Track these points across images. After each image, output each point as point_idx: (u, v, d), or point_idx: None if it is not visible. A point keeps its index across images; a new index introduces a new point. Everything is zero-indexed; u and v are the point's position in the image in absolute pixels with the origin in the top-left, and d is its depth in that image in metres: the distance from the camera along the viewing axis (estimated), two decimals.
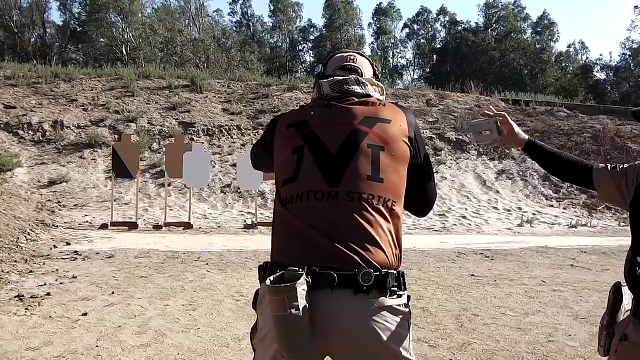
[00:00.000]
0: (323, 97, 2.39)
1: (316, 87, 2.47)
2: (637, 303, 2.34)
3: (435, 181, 2.47)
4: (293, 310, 1.91)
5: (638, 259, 2.31)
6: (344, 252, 2.04)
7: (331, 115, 2.28)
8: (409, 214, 2.49)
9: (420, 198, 2.43)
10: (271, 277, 1.98)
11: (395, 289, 2.09)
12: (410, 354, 2.12)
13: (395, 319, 2.07)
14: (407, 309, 2.14)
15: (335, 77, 2.40)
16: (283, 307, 1.91)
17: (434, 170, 2.47)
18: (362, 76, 2.44)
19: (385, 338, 2.03)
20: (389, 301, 2.06)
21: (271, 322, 1.99)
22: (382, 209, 2.13)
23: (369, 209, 2.11)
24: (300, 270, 1.97)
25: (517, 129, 2.79)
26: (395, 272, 2.11)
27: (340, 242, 2.06)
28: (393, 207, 2.17)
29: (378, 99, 2.37)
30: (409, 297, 2.19)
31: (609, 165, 2.65)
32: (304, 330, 1.95)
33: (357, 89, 2.37)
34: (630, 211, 2.42)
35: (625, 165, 2.57)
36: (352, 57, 2.51)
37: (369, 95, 2.38)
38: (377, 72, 2.57)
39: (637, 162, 2.53)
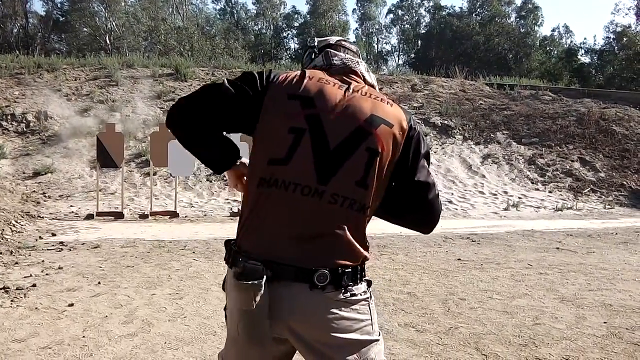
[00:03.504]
0: (332, 66, 2.34)
1: (323, 55, 2.38)
2: None
3: (437, 192, 2.30)
4: (257, 304, 1.98)
5: None
6: (309, 250, 2.07)
7: (340, 100, 2.18)
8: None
9: (419, 210, 2.28)
10: (235, 272, 2.06)
11: (350, 286, 2.12)
12: (373, 335, 2.17)
13: (353, 307, 2.12)
14: (365, 295, 2.18)
15: (348, 56, 2.38)
16: (250, 303, 1.98)
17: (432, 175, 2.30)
18: (357, 55, 2.44)
19: (341, 328, 2.09)
20: (343, 295, 2.11)
21: (235, 313, 2.07)
22: (360, 215, 2.14)
23: (348, 214, 2.11)
24: (261, 265, 2.02)
25: None
26: (351, 269, 2.12)
27: (309, 240, 2.08)
28: (368, 213, 2.18)
29: (386, 98, 2.30)
30: (369, 283, 2.22)
31: None
32: (265, 321, 2.02)
33: (365, 74, 2.36)
34: None
35: None
36: (344, 40, 2.50)
37: (373, 86, 2.36)
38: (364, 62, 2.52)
39: None
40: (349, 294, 2.11)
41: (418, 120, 2.20)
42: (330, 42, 2.46)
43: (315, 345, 2.09)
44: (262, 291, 1.97)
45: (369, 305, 2.18)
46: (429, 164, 2.29)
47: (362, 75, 2.34)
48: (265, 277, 1.99)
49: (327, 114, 2.15)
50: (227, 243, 2.24)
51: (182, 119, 2.21)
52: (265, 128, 2.18)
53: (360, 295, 2.14)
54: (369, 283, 2.22)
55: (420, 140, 2.26)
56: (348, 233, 2.10)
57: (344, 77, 2.29)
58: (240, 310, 2.03)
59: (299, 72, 2.27)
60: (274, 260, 2.04)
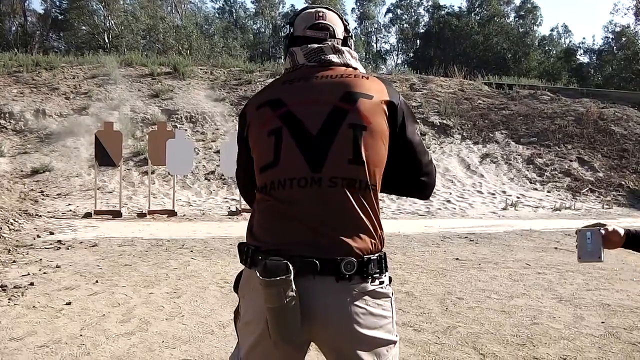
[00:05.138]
0: (298, 66, 2.29)
1: (289, 56, 2.33)
2: None
3: (432, 158, 2.35)
4: (287, 300, 1.90)
5: None
6: (327, 241, 2.02)
7: (308, 91, 2.18)
8: (393, 196, 2.41)
9: (416, 178, 2.31)
10: (259, 270, 1.94)
11: (377, 275, 2.07)
12: (393, 335, 2.12)
13: (376, 302, 2.06)
14: (389, 290, 2.13)
15: (310, 46, 2.28)
16: (279, 299, 1.90)
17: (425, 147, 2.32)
18: (334, 35, 2.33)
19: (366, 323, 2.02)
20: (371, 286, 2.05)
21: (262, 312, 1.98)
22: (365, 192, 2.08)
23: (353, 194, 2.06)
24: (284, 259, 1.94)
25: (619, 230, 2.63)
26: (376, 257, 2.08)
27: (323, 230, 2.03)
28: (375, 189, 2.12)
29: (361, 72, 2.27)
30: (390, 279, 2.17)
31: None
32: (297, 318, 1.94)
33: (334, 58, 2.27)
34: None
35: None
36: (320, 14, 2.36)
37: (348, 65, 2.29)
38: (347, 27, 2.43)
39: None
40: (377, 282, 2.07)
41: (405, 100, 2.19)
42: (296, 33, 2.38)
43: (336, 342, 2.04)
44: (292, 287, 1.91)
45: (391, 302, 2.14)
46: (414, 132, 2.27)
47: (331, 60, 2.27)
48: (292, 272, 1.91)
49: (298, 107, 2.15)
50: (241, 245, 2.19)
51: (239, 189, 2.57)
52: (252, 146, 2.24)
53: (385, 288, 2.10)
54: (390, 279, 2.17)
55: (406, 106, 2.25)
56: (358, 213, 2.06)
57: (309, 71, 2.25)
58: (269, 309, 1.94)
59: (268, 84, 2.33)
60: (295, 255, 1.98)
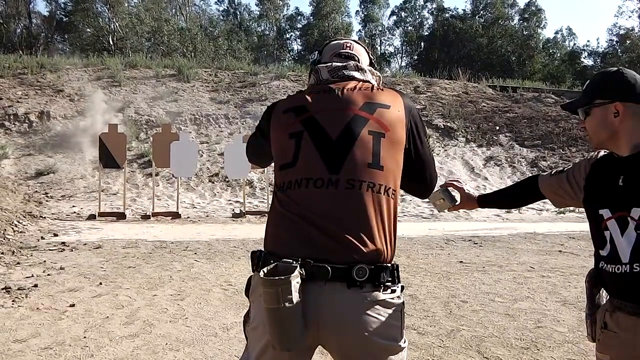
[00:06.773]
0: (322, 82, 2.37)
1: (313, 73, 2.44)
2: (607, 293, 2.36)
3: (435, 163, 2.47)
4: (286, 304, 1.89)
5: (600, 252, 2.31)
6: (339, 244, 2.03)
7: (331, 100, 2.25)
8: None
9: (420, 182, 2.41)
10: (265, 269, 1.95)
11: (390, 283, 2.09)
12: (403, 342, 2.14)
13: (388, 311, 2.07)
14: (400, 300, 2.15)
15: (333, 63, 2.39)
16: (277, 300, 1.89)
17: (432, 154, 2.44)
18: (359, 63, 2.43)
19: (377, 332, 2.03)
20: (382, 295, 2.06)
21: (264, 314, 1.97)
22: (383, 196, 2.12)
23: (370, 197, 2.09)
24: (295, 262, 1.95)
25: (467, 190, 2.87)
26: (390, 265, 2.10)
27: (337, 233, 2.04)
28: (392, 195, 2.16)
29: (377, 85, 2.36)
30: (402, 288, 2.19)
31: (552, 171, 2.66)
32: (296, 323, 1.93)
33: (356, 74, 2.37)
34: (585, 208, 2.41)
35: (570, 165, 2.58)
36: (348, 45, 2.49)
37: (367, 82, 2.37)
38: (373, 61, 2.55)
39: (581, 160, 2.53)
40: (389, 291, 2.08)
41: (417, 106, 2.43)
42: (323, 59, 2.49)
43: (347, 349, 2.05)
44: (293, 289, 1.89)
45: (401, 312, 2.15)
46: (427, 138, 2.39)
47: (353, 77, 2.37)
48: (295, 272, 1.91)
49: (320, 114, 2.22)
50: (254, 252, 2.20)
51: (248, 157, 2.75)
52: (273, 145, 2.31)
53: (396, 299, 2.12)
54: (402, 289, 2.20)
55: (418, 116, 2.34)
56: (373, 217, 2.08)
57: (332, 85, 2.33)
58: (266, 310, 1.94)
59: (294, 93, 2.43)
60: (306, 259, 1.99)
